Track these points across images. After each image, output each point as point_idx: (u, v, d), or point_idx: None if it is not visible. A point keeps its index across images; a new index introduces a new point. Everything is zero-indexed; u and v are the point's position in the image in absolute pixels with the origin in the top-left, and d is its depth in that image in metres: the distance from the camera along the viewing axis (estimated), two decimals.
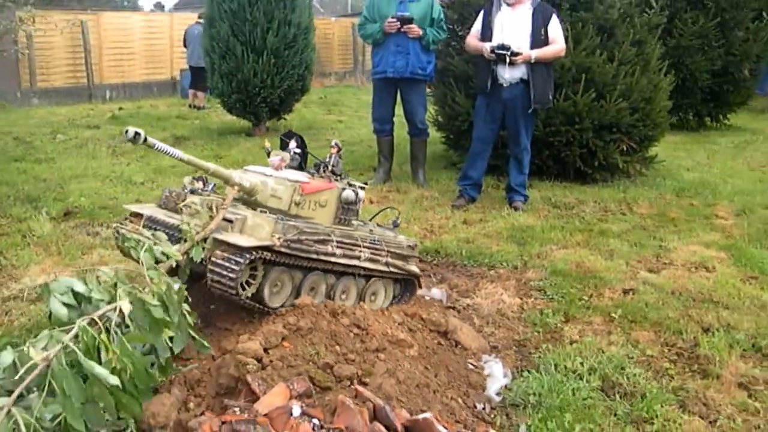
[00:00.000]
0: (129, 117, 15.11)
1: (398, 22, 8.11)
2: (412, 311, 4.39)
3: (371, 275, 4.38)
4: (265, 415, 2.75)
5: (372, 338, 3.62)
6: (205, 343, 3.29)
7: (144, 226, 4.00)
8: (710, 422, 3.69)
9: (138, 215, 4.21)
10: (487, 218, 7.34)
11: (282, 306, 3.92)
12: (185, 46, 17.13)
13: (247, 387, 3.04)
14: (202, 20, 16.97)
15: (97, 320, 2.74)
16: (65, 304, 2.91)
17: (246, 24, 11.97)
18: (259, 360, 3.24)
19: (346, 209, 4.31)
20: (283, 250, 3.76)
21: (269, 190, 4.07)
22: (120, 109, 16.45)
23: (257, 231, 3.80)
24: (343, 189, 4.29)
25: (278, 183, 4.11)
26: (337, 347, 3.46)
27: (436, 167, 9.83)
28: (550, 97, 7.57)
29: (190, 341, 3.25)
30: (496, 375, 3.95)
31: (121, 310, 2.85)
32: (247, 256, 3.62)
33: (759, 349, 4.49)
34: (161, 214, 4.13)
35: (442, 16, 8.36)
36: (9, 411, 2.40)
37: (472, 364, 4.00)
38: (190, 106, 17.27)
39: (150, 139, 3.38)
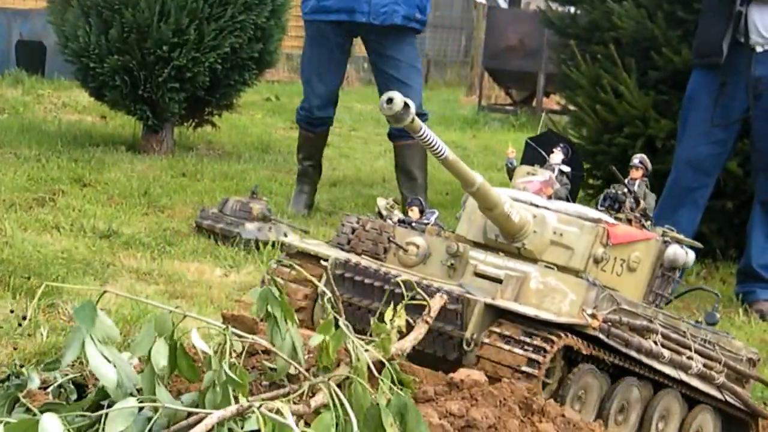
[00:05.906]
0: None
1: None
2: None
3: (695, 399, 3.13)
4: None
5: None
6: None
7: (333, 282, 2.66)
8: None
9: (312, 257, 2.98)
10: None
11: None
12: None
13: None
14: None
15: None
16: None
17: None
18: None
19: (666, 279, 3.10)
20: (601, 336, 2.69)
21: (549, 232, 2.96)
22: None
23: (551, 300, 2.74)
24: (666, 243, 3.07)
25: (566, 222, 2.98)
26: None
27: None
28: None
29: None
30: None
31: None
32: (555, 340, 2.61)
33: None
34: (364, 261, 2.98)
35: None
36: None
37: None
38: None
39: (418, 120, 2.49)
